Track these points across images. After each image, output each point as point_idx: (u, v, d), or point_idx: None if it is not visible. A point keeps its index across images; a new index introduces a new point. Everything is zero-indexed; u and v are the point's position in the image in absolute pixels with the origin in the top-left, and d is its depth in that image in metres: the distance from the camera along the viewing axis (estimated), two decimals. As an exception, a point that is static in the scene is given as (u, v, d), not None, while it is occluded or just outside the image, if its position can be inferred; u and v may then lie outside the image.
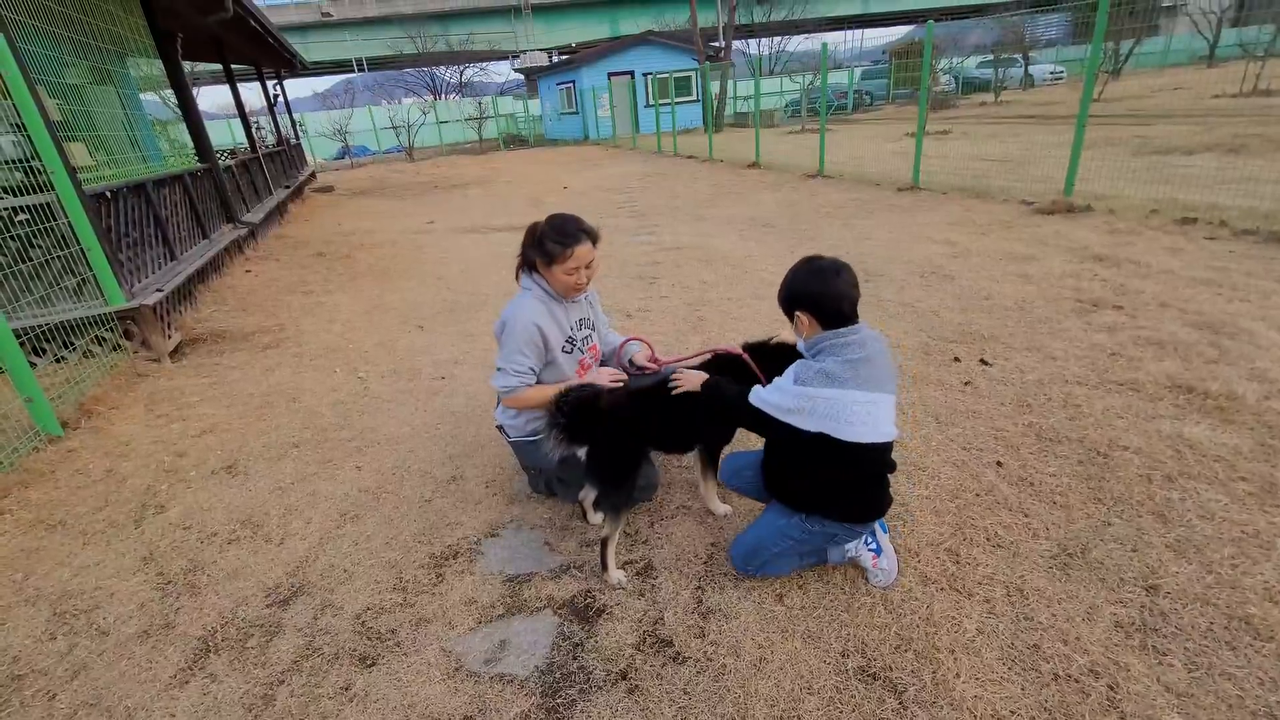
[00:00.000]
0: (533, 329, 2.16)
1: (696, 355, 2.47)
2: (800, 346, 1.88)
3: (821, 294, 1.73)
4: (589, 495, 2.37)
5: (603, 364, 2.55)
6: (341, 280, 6.38)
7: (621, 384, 2.26)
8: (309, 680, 1.83)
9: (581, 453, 2.08)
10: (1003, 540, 2.11)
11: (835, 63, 26.12)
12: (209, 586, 2.26)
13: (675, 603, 1.99)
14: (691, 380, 2.06)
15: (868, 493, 1.87)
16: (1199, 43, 27.13)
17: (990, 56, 26.99)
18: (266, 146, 12.87)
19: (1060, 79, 28.31)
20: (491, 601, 2.08)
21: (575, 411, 1.97)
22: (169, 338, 4.47)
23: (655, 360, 2.50)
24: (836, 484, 1.85)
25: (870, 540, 1.98)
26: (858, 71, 31.75)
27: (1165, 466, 2.39)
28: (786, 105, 28.00)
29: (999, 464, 2.52)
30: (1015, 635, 1.75)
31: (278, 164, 12.64)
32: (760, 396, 1.83)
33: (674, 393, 2.08)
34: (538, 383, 2.25)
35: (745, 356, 2.22)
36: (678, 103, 20.60)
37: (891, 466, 1.87)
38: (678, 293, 5.05)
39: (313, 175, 17.01)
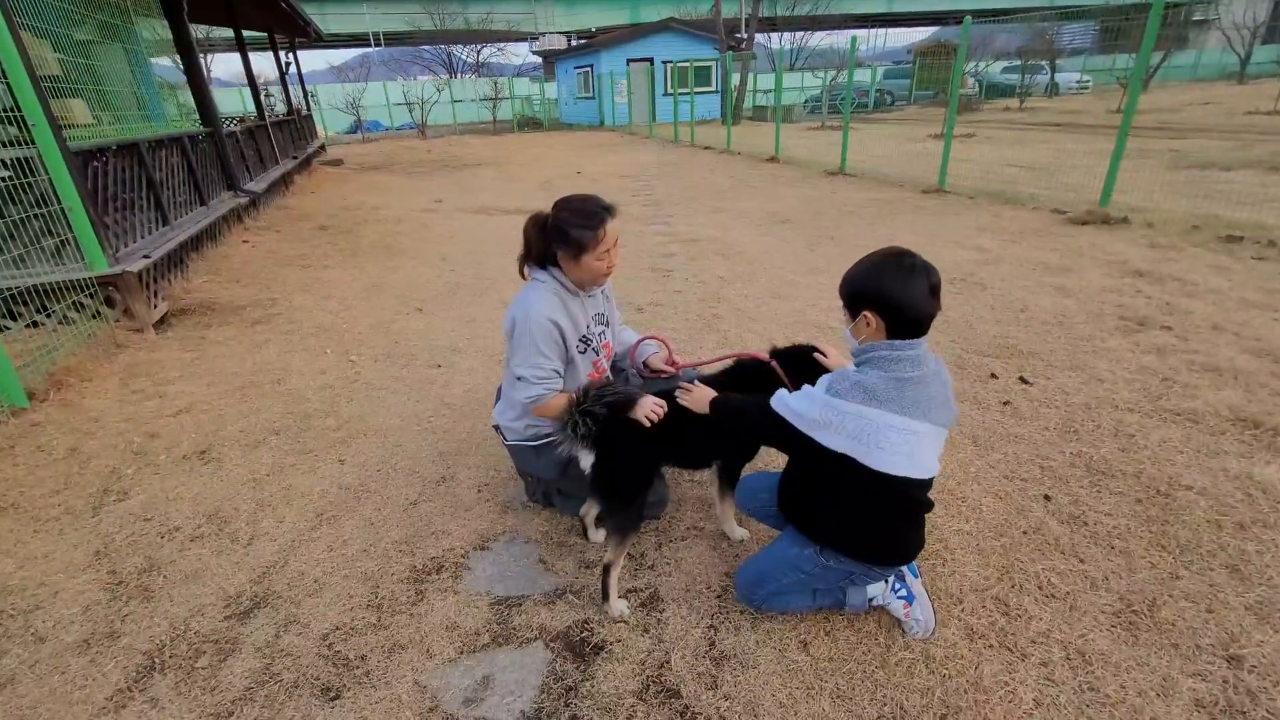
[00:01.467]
0: (549, 326, 1.90)
1: (718, 359, 2.22)
2: (850, 349, 1.63)
3: (904, 298, 1.44)
4: (591, 511, 2.13)
5: (614, 364, 2.30)
6: (342, 256, 6.13)
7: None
8: (262, 713, 1.60)
9: (587, 463, 1.83)
10: (1057, 590, 1.86)
11: (857, 60, 25.53)
12: (163, 590, 2.02)
13: (684, 643, 1.75)
14: (697, 399, 1.81)
15: (895, 532, 1.62)
16: (1230, 58, 26.55)
17: (1016, 62, 26.45)
18: (275, 115, 12.59)
19: (1086, 89, 27.74)
20: (476, 628, 1.84)
21: (604, 415, 1.71)
22: (154, 307, 4.23)
23: (673, 363, 2.25)
24: (858, 516, 1.59)
25: (899, 586, 1.74)
26: (880, 70, 31.23)
27: (1236, 512, 2.13)
28: (806, 101, 27.52)
29: (1047, 498, 2.27)
30: (1080, 711, 1.50)
31: (286, 133, 12.36)
32: (784, 403, 1.58)
33: (680, 401, 1.83)
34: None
35: (774, 364, 1.96)
36: (697, 93, 20.20)
37: (927, 506, 1.61)
38: (692, 287, 4.79)
39: (322, 148, 16.72)
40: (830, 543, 1.65)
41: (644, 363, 2.28)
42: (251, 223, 7.29)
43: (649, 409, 1.80)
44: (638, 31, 25.12)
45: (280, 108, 13.66)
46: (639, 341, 2.30)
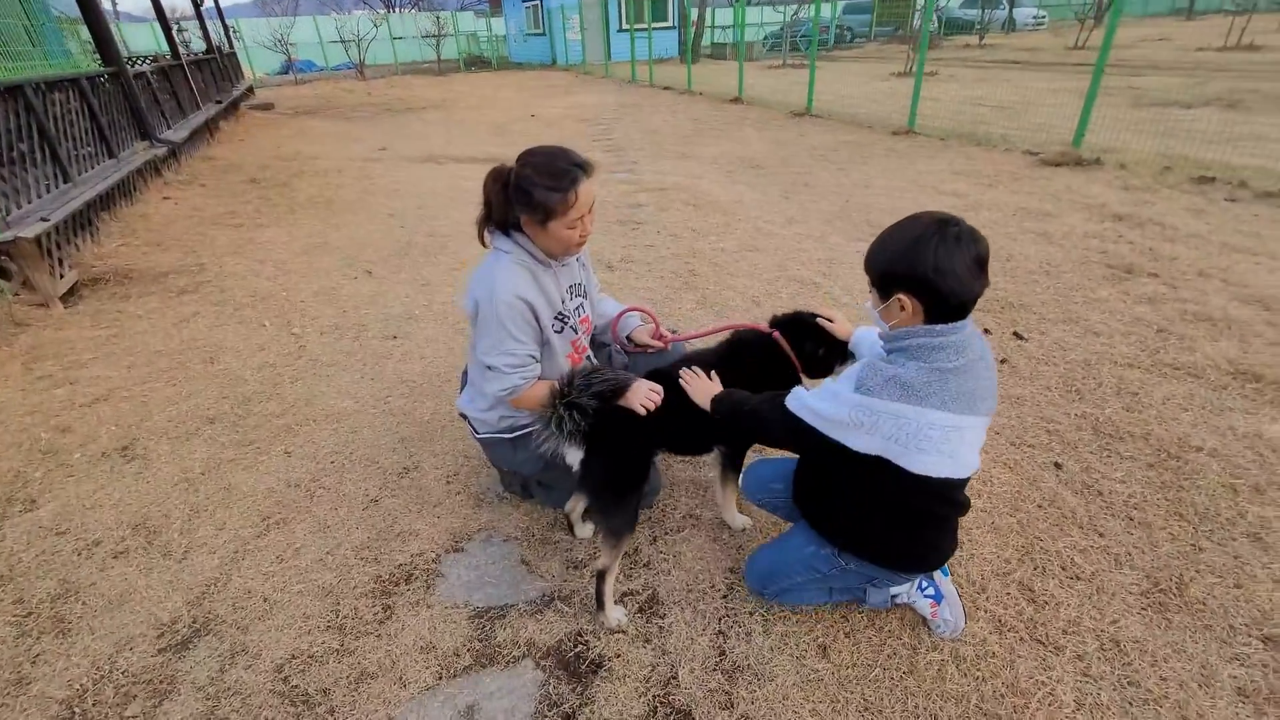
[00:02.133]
0: (520, 305, 1.62)
1: (712, 330, 1.98)
2: (878, 333, 1.41)
3: (947, 278, 1.18)
4: (578, 506, 1.91)
5: (594, 338, 2.04)
6: (278, 212, 5.58)
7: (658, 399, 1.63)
8: (207, 772, 1.37)
9: (574, 458, 1.60)
10: (1081, 570, 1.75)
11: (807, -5, 24.71)
12: (83, 621, 1.74)
13: (691, 654, 1.57)
14: (700, 390, 1.59)
15: (925, 537, 1.43)
16: (1180, -7, 26.63)
17: (975, -3, 25.98)
18: (193, 54, 11.40)
19: (1042, 24, 27.54)
20: (455, 647, 1.63)
21: (593, 408, 1.47)
22: (60, 277, 3.73)
23: (661, 337, 2.00)
24: (885, 522, 1.41)
25: (926, 584, 1.59)
26: (840, 4, 30.27)
27: (1250, 474, 2.05)
28: (766, 38, 26.56)
29: (1057, 466, 2.15)
30: (1125, 711, 1.39)
31: (207, 75, 11.24)
32: (804, 403, 1.36)
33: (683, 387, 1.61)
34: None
35: (777, 336, 1.74)
36: (655, 29, 19.21)
37: (964, 508, 1.42)
38: (665, 241, 4.50)
39: (250, 90, 15.36)
40: (850, 548, 1.48)
41: (628, 337, 2.03)
42: (172, 176, 6.58)
43: (644, 396, 1.56)
44: (588, -39, 23.57)
45: (198, 45, 12.38)
46: (621, 313, 2.03)
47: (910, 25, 25.25)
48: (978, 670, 1.48)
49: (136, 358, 3.12)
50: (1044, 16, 28.33)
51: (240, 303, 3.71)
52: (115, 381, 2.92)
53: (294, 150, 8.54)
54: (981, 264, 1.21)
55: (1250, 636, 1.55)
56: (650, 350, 2.00)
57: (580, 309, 1.86)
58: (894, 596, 1.60)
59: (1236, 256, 3.67)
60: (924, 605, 1.57)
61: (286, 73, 24.74)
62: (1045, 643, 1.55)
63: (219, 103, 10.85)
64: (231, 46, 15.89)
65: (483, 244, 1.71)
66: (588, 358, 1.92)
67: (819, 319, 1.76)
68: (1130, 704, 1.41)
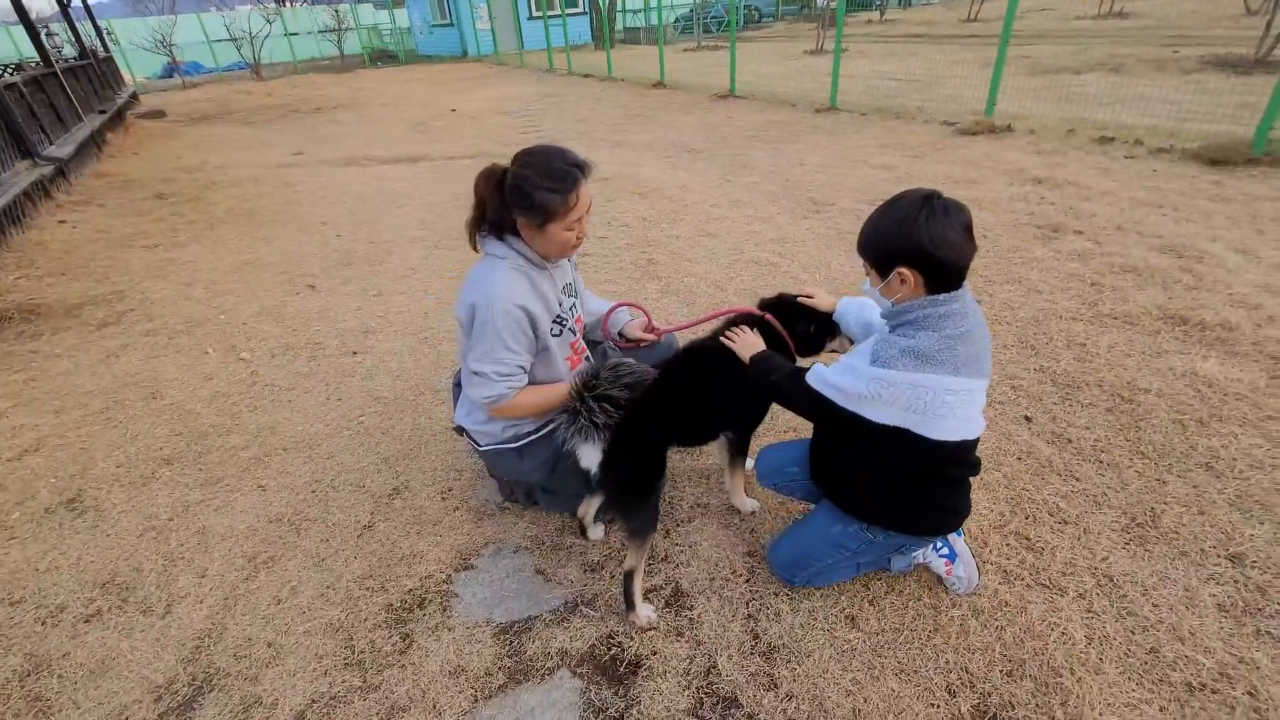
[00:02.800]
0: (518, 313, 1.57)
1: (702, 319, 2.00)
2: (881, 311, 1.45)
3: (944, 248, 1.26)
4: (591, 508, 1.89)
5: (585, 337, 2.01)
6: (196, 229, 5.19)
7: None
8: (245, 836, 1.29)
9: (591, 460, 1.58)
10: (1068, 514, 1.88)
11: (723, -26, 24.98)
12: (63, 696, 1.59)
13: (725, 641, 1.60)
14: (745, 343, 1.62)
15: (946, 501, 1.51)
16: (1054, -38, 28.41)
17: (873, -29, 26.91)
18: (65, 60, 10.36)
19: (935, -2, 28.89)
20: (486, 667, 1.59)
21: (624, 395, 1.45)
22: (-45, 320, 3.35)
23: (653, 329, 2.00)
24: (908, 490, 1.48)
25: (941, 544, 1.67)
26: (747, -15, 30.69)
27: (1194, 409, 2.25)
28: (677, 20, 26.66)
29: (1028, 419, 2.30)
30: (1129, 639, 1.51)
31: (85, 82, 10.25)
32: (824, 378, 1.40)
33: (726, 345, 1.64)
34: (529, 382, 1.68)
35: (770, 318, 1.77)
36: (568, 15, 18.91)
37: (977, 467, 1.52)
38: (617, 232, 4.47)
39: (135, 97, 14.15)
40: (877, 520, 1.53)
41: (619, 332, 2.01)
42: (64, 197, 5.99)
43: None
44: (491, -53, 22.87)
45: (70, 50, 11.27)
46: (610, 310, 2.01)
47: (814, 3, 25.97)
48: (996, 620, 1.58)
49: (64, 401, 2.85)
50: (937, -10, 29.72)
51: (174, 330, 3.44)
52: (44, 429, 2.65)
53: (199, 160, 7.94)
54: (969, 230, 1.30)
55: (1220, 557, 1.71)
56: (644, 344, 1.99)
57: (574, 309, 1.83)
58: (914, 559, 1.67)
59: (1145, 210, 4.00)
60: (939, 564, 1.65)
61: (171, 75, 22.90)
62: (1050, 586, 1.66)
63: (102, 113, 9.94)
64: (107, 50, 14.55)
65: (474, 249, 1.66)
66: (585, 356, 1.89)
67: (800, 299, 1.80)
68: (1132, 633, 1.53)
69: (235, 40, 20.85)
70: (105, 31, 16.25)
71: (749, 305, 1.84)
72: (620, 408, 1.45)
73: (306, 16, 26.49)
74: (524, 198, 1.51)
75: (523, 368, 1.63)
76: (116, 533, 2.10)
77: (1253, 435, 2.11)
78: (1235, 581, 1.64)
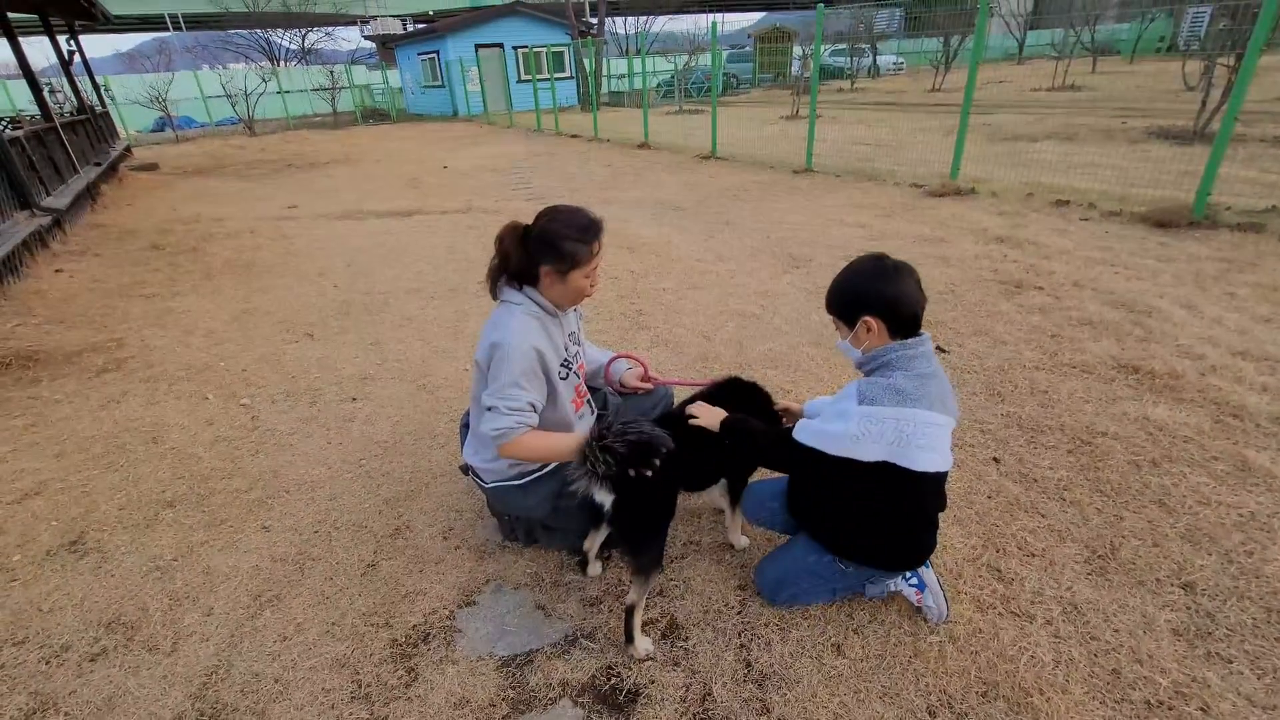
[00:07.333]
0: (533, 355, 1.72)
1: (692, 383, 2.17)
2: (854, 360, 1.63)
3: (898, 296, 1.50)
4: (594, 544, 1.98)
5: (586, 384, 2.15)
6: (193, 279, 5.30)
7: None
8: None
9: (605, 498, 1.69)
10: (1034, 548, 2.01)
11: (697, 45, 26.46)
12: (72, 733, 1.62)
13: (719, 670, 1.68)
14: (709, 416, 1.77)
15: (915, 537, 1.68)
16: (1010, 41, 30.57)
17: (842, 45, 28.66)
18: (65, 115, 10.61)
19: (901, 69, 30.74)
20: (490, 698, 1.65)
21: (622, 450, 1.57)
22: (-46, 366, 3.39)
23: (650, 379, 2.15)
24: (883, 527, 1.64)
25: (910, 575, 1.79)
26: (724, 54, 32.44)
27: (1146, 451, 2.43)
28: (659, 85, 28.00)
29: (996, 460, 2.46)
30: (1092, 661, 1.63)
31: (82, 136, 10.48)
32: (817, 430, 1.57)
33: (690, 423, 1.78)
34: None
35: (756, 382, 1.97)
36: (556, 79, 19.82)
37: (944, 504, 1.68)
38: (607, 284, 4.67)
39: (128, 150, 14.41)
40: (849, 555, 1.68)
41: (619, 381, 2.16)
42: (61, 247, 6.09)
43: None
44: (483, 15, 24.01)
45: (70, 105, 11.54)
46: (611, 361, 2.17)
47: (789, 73, 27.45)
48: (971, 646, 1.69)
49: (65, 445, 2.89)
50: (902, 62, 31.63)
51: (174, 377, 3.51)
52: (45, 474, 2.69)
53: (194, 212, 8.11)
54: (918, 283, 1.55)
55: (1173, 586, 1.85)
56: (640, 391, 2.14)
57: (578, 355, 1.98)
58: (887, 587, 1.80)
59: (1100, 268, 4.30)
60: (909, 593, 1.77)
61: (163, 129, 23.33)
62: (1019, 614, 1.78)
63: (98, 165, 10.13)
64: (104, 105, 14.89)
65: (493, 296, 1.82)
66: (588, 401, 2.03)
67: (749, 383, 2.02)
68: (1095, 656, 1.65)
69: (230, 97, 21.39)
70: (104, 87, 16.65)
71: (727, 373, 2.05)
72: (619, 459, 1.57)
73: (302, 75, 27.33)
74: (552, 248, 1.69)
75: (534, 405, 1.75)
76: (120, 573, 2.14)
77: (1200, 474, 2.29)
78: (1188, 608, 1.78)
